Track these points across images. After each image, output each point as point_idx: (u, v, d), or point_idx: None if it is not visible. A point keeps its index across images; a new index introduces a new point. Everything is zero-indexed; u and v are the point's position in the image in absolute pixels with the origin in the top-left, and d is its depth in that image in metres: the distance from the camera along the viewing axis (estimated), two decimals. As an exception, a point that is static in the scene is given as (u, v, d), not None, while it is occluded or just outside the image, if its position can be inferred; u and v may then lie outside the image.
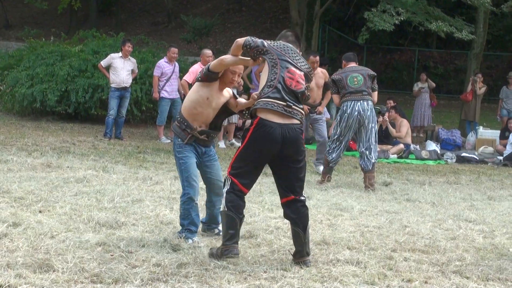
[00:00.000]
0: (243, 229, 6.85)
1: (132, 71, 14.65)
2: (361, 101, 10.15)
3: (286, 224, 7.28)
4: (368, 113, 10.17)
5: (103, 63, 14.61)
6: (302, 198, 5.92)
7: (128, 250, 5.93)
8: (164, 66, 14.44)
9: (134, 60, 14.84)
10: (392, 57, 28.97)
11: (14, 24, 34.30)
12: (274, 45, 5.97)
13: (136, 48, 17.43)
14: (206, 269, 5.50)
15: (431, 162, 14.71)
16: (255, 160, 5.85)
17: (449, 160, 15.19)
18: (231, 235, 5.78)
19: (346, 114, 10.19)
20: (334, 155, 10.42)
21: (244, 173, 5.85)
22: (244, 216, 5.90)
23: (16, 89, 16.32)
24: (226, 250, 5.75)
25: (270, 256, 6.07)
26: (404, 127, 15.88)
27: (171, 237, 6.35)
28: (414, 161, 14.78)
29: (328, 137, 11.42)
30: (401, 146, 15.33)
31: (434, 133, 18.67)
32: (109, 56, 14.73)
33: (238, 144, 14.40)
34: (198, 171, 6.52)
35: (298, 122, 5.83)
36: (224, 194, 5.84)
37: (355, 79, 10.21)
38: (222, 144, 14.48)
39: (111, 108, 14.41)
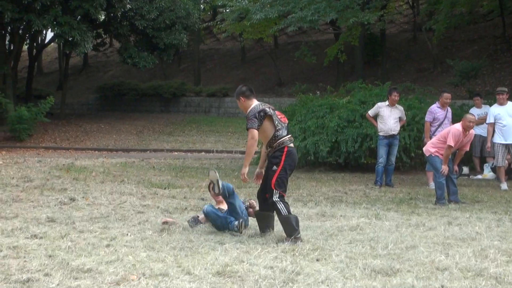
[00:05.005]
0: None
1: (400, 118, 14.72)
2: None
3: None
4: None
5: (371, 112, 14.87)
6: None
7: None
8: (437, 111, 14.34)
9: (401, 107, 14.91)
10: None
11: (286, 81, 36.08)
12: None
13: (403, 95, 17.50)
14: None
15: None
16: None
17: None
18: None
19: None
20: None
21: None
22: None
23: (290, 142, 17.02)
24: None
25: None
26: None
27: (447, 284, 6.27)
28: None
29: None
30: None
31: None
32: (376, 105, 14.95)
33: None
34: None
35: None
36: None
37: None
38: (504, 186, 14.14)
39: (380, 156, 14.56)
